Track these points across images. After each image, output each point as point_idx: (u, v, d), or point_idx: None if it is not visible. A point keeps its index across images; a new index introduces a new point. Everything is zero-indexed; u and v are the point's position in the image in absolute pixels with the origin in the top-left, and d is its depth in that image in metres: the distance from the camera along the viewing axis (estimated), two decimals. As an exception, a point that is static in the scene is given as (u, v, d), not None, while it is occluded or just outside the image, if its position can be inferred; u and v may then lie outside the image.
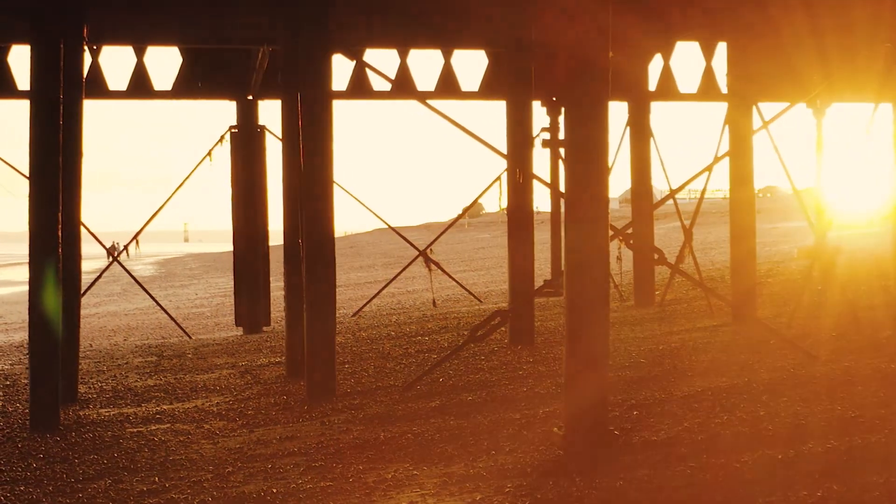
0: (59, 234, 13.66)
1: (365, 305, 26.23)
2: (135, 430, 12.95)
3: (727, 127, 17.61)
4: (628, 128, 22.48)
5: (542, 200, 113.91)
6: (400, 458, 10.36)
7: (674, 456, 9.41)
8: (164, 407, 14.41)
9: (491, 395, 12.88)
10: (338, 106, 20.62)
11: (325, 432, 11.84)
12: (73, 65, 15.45)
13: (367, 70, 23.74)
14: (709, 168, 18.31)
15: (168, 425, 13.12)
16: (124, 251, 25.64)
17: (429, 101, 24.75)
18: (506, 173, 17.10)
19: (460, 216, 26.39)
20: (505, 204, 24.41)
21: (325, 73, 14.19)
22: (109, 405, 14.88)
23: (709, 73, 24.24)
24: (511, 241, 17.19)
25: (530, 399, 12.40)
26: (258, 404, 14.05)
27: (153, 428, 12.97)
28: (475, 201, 24.25)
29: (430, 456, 10.29)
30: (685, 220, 21.74)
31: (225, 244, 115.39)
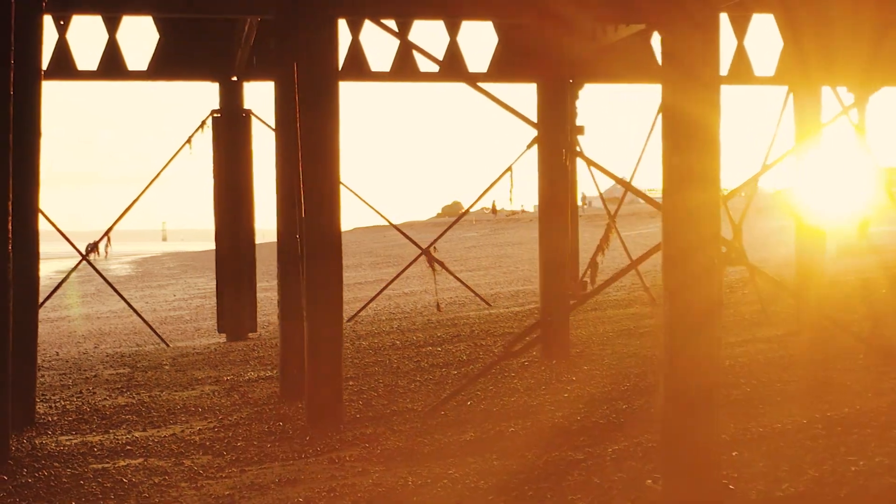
0: (10, 228, 11.23)
1: (363, 309, 23.74)
2: (100, 466, 10.57)
3: (793, 116, 15.10)
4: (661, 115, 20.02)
5: (526, 199, 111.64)
6: (439, 515, 8.00)
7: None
8: (137, 434, 12.03)
9: (537, 425, 10.47)
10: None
11: (336, 474, 9.45)
12: (27, 33, 13.09)
13: (363, 49, 21.44)
14: (765, 168, 15.83)
15: (140, 460, 10.73)
16: (97, 250, 23.04)
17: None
18: (536, 160, 14.60)
19: (465, 212, 23.95)
20: (515, 199, 22.02)
21: (330, 40, 11.81)
22: (72, 431, 12.51)
23: (741, 53, 21.99)
24: (543, 238, 14.67)
25: (588, 432, 10.01)
26: (249, 432, 11.65)
27: (122, 464, 10.59)
28: (485, 192, 21.83)
29: (479, 514, 7.93)
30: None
31: (203, 243, 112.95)
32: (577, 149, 20.80)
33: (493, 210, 78.81)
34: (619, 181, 12.03)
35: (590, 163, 11.78)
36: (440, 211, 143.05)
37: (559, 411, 11.00)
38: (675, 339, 7.22)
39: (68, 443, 11.74)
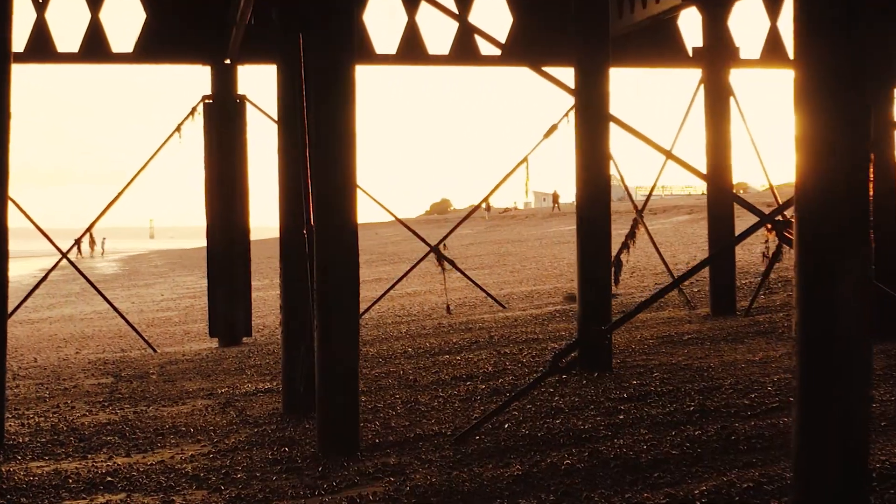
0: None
1: (367, 311, 21.94)
2: (74, 503, 8.87)
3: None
4: (702, 86, 18.31)
5: (519, 197, 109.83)
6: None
7: None
8: (119, 461, 10.33)
9: (596, 455, 8.77)
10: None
11: (360, 519, 7.77)
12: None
13: (367, 30, 19.80)
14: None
15: (122, 495, 9.05)
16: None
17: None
18: (574, 151, 12.86)
19: (477, 206, 22.27)
20: (530, 193, 20.37)
21: (347, 13, 10.16)
22: (45, 455, 10.83)
23: (774, 35, 20.47)
24: (582, 234, 12.96)
25: (661, 465, 8.31)
26: (250, 461, 9.96)
27: (101, 501, 8.91)
28: (500, 184, 20.19)
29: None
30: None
31: (192, 241, 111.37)
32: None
33: (487, 207, 77.16)
34: (668, 154, 10.39)
35: (644, 139, 10.06)
36: (428, 208, 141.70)
37: (618, 438, 9.31)
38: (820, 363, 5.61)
39: (39, 471, 10.06)
